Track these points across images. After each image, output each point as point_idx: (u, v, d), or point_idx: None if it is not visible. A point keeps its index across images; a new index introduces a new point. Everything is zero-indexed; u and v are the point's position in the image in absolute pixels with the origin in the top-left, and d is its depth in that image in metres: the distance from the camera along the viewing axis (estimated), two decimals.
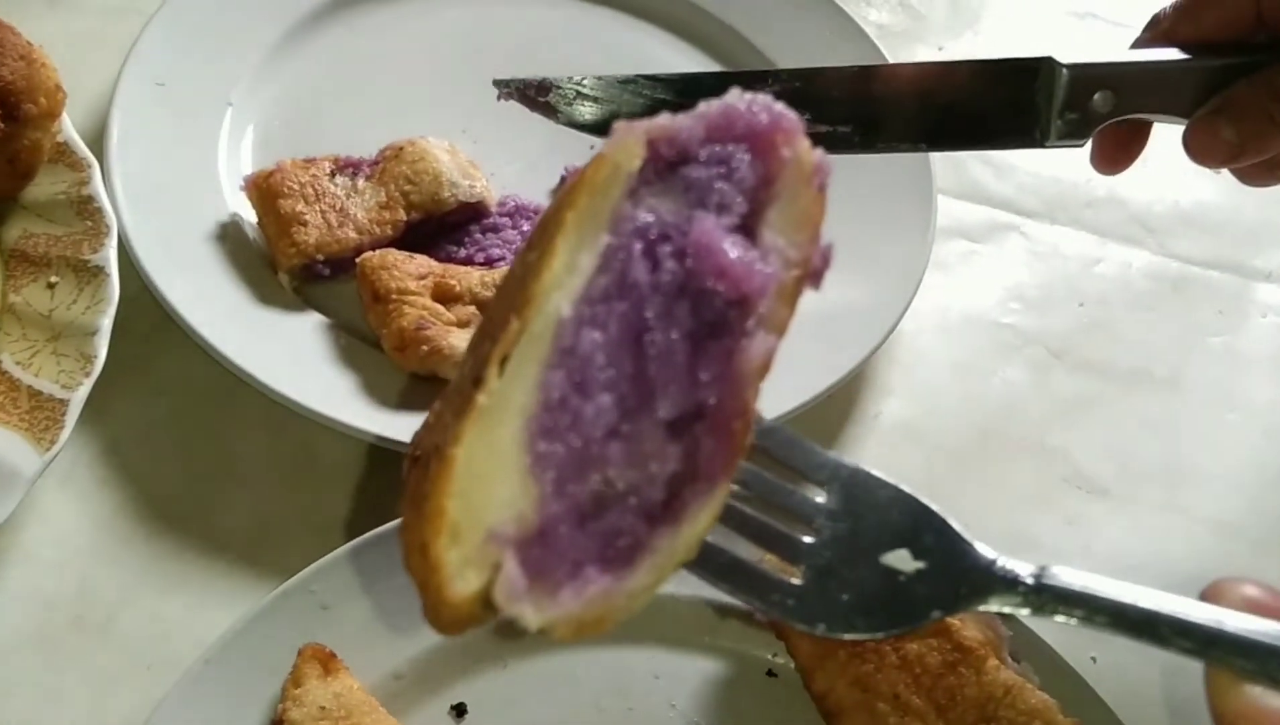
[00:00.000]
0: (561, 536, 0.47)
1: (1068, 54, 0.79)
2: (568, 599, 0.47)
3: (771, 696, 0.82)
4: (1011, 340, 1.10)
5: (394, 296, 0.92)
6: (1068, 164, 1.17)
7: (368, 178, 1.00)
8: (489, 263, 1.00)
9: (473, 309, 0.94)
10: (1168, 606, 0.51)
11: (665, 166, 0.51)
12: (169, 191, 0.98)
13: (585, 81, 0.86)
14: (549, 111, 0.87)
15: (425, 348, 0.90)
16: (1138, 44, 0.84)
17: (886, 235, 1.04)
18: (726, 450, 0.49)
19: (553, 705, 0.80)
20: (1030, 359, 1.09)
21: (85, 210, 0.91)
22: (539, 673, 0.81)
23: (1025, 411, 1.06)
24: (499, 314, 0.52)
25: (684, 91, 0.85)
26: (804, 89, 0.83)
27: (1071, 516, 0.99)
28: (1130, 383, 1.09)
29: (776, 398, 0.89)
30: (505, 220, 1.03)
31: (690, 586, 0.60)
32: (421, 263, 0.95)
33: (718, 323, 0.49)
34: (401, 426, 0.87)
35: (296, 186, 0.97)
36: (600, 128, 0.86)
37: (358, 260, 0.95)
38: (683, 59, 1.21)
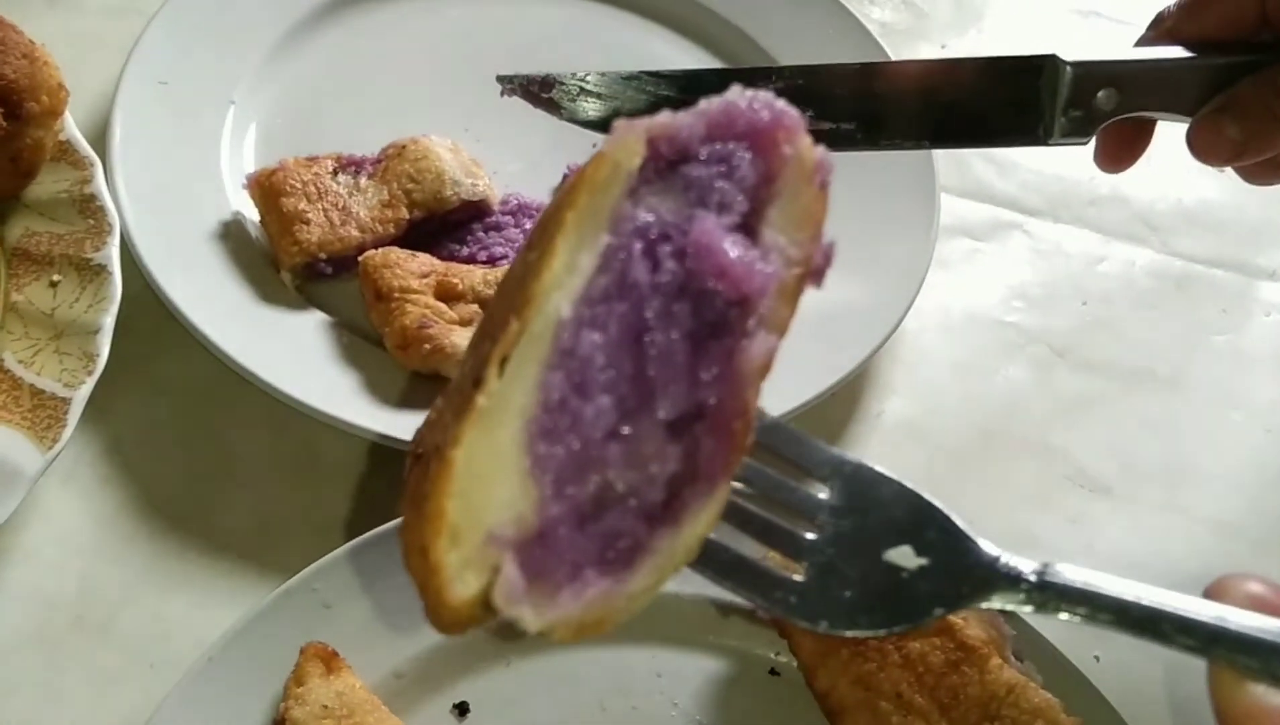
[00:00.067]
0: (561, 538, 0.47)
1: (1071, 52, 0.79)
2: (567, 601, 0.47)
3: (774, 695, 0.82)
4: (1014, 339, 1.10)
5: (396, 295, 0.92)
6: (1071, 162, 1.17)
7: (370, 176, 1.00)
8: (491, 261, 1.00)
9: (475, 307, 0.94)
10: (1171, 604, 0.51)
11: (666, 165, 0.50)
12: (171, 190, 0.98)
13: (588, 78, 0.86)
14: (552, 108, 0.87)
15: (428, 346, 0.90)
16: (1141, 42, 0.83)
17: (889, 233, 1.04)
18: (727, 450, 0.49)
19: (555, 704, 0.80)
20: (1033, 358, 1.09)
21: (88, 209, 0.91)
22: (541, 672, 0.81)
23: (1028, 410, 1.05)
24: (499, 313, 0.52)
25: (687, 88, 0.85)
26: (807, 86, 0.83)
27: (1073, 515, 0.99)
28: (1133, 381, 1.09)
29: (779, 396, 0.89)
30: (508, 218, 1.03)
31: (693, 584, 0.60)
32: (424, 261, 0.95)
33: (718, 322, 0.49)
34: (403, 425, 0.87)
35: (299, 185, 0.97)
36: (603, 124, 0.86)
37: (360, 259, 0.95)
38: (686, 57, 1.21)
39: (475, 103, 1.09)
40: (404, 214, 0.99)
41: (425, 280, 0.93)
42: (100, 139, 0.98)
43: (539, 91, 0.87)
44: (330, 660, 0.75)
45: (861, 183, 1.00)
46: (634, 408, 0.48)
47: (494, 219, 1.03)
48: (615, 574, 0.47)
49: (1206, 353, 1.12)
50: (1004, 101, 0.81)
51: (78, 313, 0.86)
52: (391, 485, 0.91)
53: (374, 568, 0.79)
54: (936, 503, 0.56)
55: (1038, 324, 1.11)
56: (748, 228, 0.50)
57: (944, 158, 1.12)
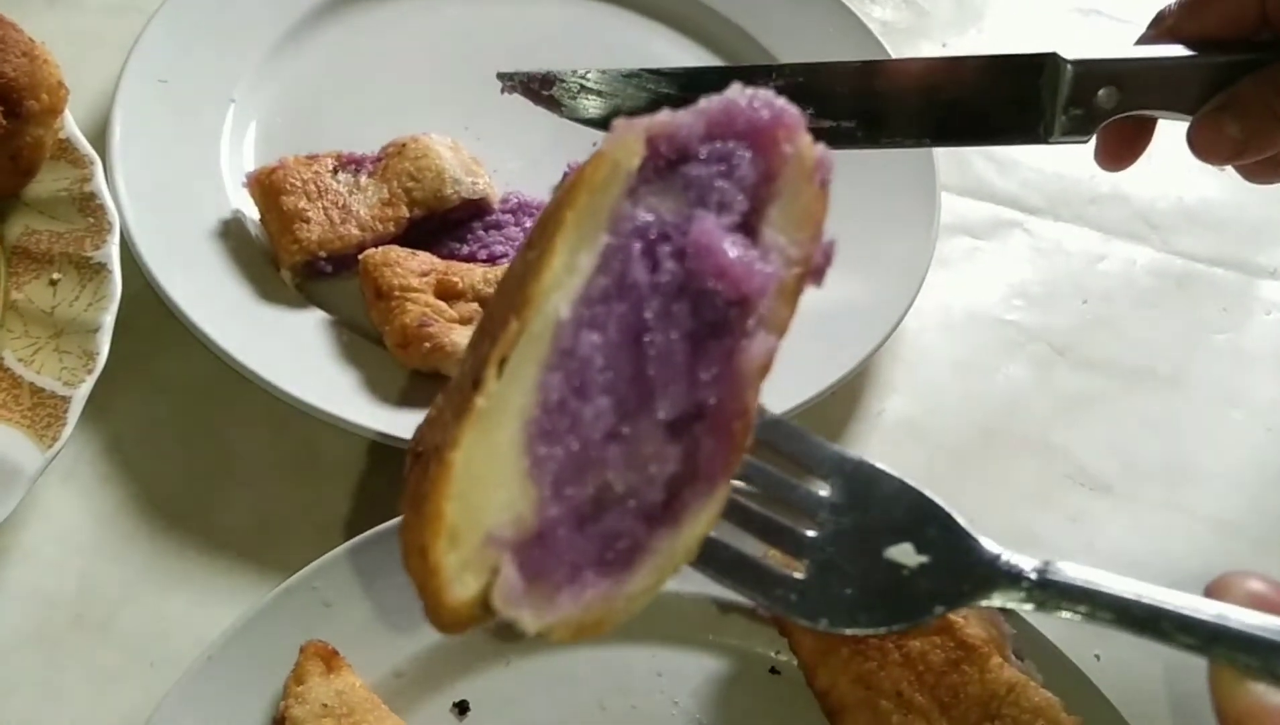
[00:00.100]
0: (560, 539, 0.47)
1: (1072, 50, 0.79)
2: (566, 602, 0.47)
3: (774, 694, 0.82)
4: (1015, 337, 1.10)
5: (396, 293, 0.92)
6: (1071, 160, 1.18)
7: (370, 174, 1.00)
8: (491, 259, 1.00)
9: (475, 306, 0.94)
10: (1171, 602, 0.51)
11: (666, 164, 0.50)
12: (171, 188, 0.98)
13: (589, 75, 0.86)
14: (552, 105, 0.87)
15: (428, 345, 0.90)
16: (1142, 40, 0.83)
17: (890, 232, 1.04)
18: (726, 451, 0.48)
19: (555, 703, 0.80)
20: (1033, 356, 1.09)
21: (87, 207, 0.91)
22: (541, 670, 0.81)
23: (1028, 409, 1.05)
24: (499, 312, 0.52)
25: (688, 85, 0.85)
26: (808, 83, 0.83)
27: (1074, 514, 0.99)
28: (1133, 380, 1.09)
29: (779, 395, 0.88)
30: (508, 217, 1.03)
31: (693, 583, 0.60)
32: (424, 259, 0.95)
33: (718, 323, 0.49)
34: (403, 423, 0.86)
35: (299, 183, 0.97)
36: (603, 122, 0.86)
37: (360, 257, 0.95)
38: (686, 56, 1.21)
39: (475, 101, 1.08)
40: (404, 212, 0.98)
41: (425, 278, 0.93)
42: (100, 137, 0.98)
43: (539, 89, 0.87)
44: (330, 659, 0.75)
45: (862, 181, 1.00)
46: (633, 408, 0.48)
47: (494, 217, 1.03)
48: (614, 575, 0.47)
49: (1207, 351, 1.12)
50: (1005, 99, 0.81)
51: (77, 311, 0.86)
52: (392, 483, 0.90)
53: (374, 566, 0.79)
54: (938, 500, 0.56)
55: (1038, 322, 1.11)
56: (748, 227, 0.50)
57: (944, 156, 1.12)
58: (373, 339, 0.94)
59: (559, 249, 0.47)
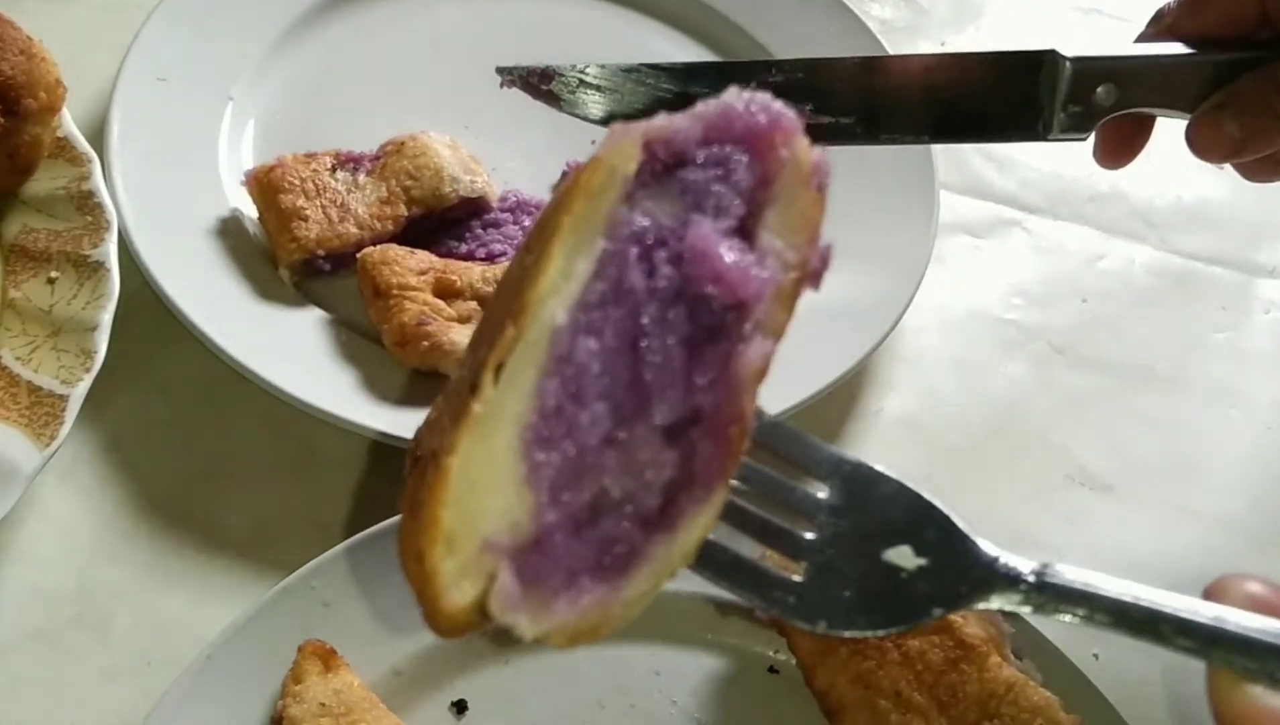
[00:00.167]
0: (557, 545, 0.47)
1: (1071, 47, 0.79)
2: (563, 608, 0.47)
3: (773, 693, 0.82)
4: (1014, 336, 1.10)
5: (395, 292, 0.91)
6: (1070, 159, 1.17)
7: (369, 173, 0.99)
8: (490, 258, 1.00)
9: (474, 304, 0.94)
10: (1170, 605, 0.51)
11: (662, 168, 0.50)
12: (169, 187, 0.98)
13: (588, 70, 0.86)
14: (551, 100, 0.87)
15: (426, 343, 0.90)
16: (1141, 38, 0.83)
17: (888, 230, 1.04)
18: (723, 456, 0.48)
19: (554, 702, 0.80)
20: (1032, 355, 1.09)
21: (85, 205, 0.91)
22: (540, 669, 0.81)
23: (1027, 408, 1.05)
24: (497, 316, 0.51)
25: (687, 81, 0.85)
26: (807, 80, 0.83)
27: (1074, 513, 0.99)
28: (1133, 379, 1.09)
29: (777, 394, 0.89)
30: (506, 215, 1.03)
31: (691, 583, 0.60)
32: (422, 258, 0.95)
33: (714, 328, 0.49)
34: (402, 422, 0.86)
35: (297, 181, 0.96)
36: (603, 118, 0.86)
37: (358, 255, 0.94)
38: (686, 54, 1.21)
39: (474, 99, 1.08)
40: (402, 211, 0.98)
41: (424, 277, 0.93)
42: (98, 135, 0.98)
43: (538, 84, 0.87)
44: (328, 658, 0.75)
45: (861, 180, 1.00)
46: (630, 414, 0.48)
47: (493, 216, 1.03)
48: (611, 581, 0.47)
49: (1206, 350, 1.12)
50: (1004, 96, 0.81)
51: (75, 310, 0.86)
52: (390, 483, 0.90)
53: (372, 566, 0.79)
54: (936, 502, 0.56)
55: (1037, 321, 1.11)
56: (744, 231, 0.50)
57: (943, 155, 1.12)
58: (371, 337, 0.94)
59: (555, 255, 0.47)
